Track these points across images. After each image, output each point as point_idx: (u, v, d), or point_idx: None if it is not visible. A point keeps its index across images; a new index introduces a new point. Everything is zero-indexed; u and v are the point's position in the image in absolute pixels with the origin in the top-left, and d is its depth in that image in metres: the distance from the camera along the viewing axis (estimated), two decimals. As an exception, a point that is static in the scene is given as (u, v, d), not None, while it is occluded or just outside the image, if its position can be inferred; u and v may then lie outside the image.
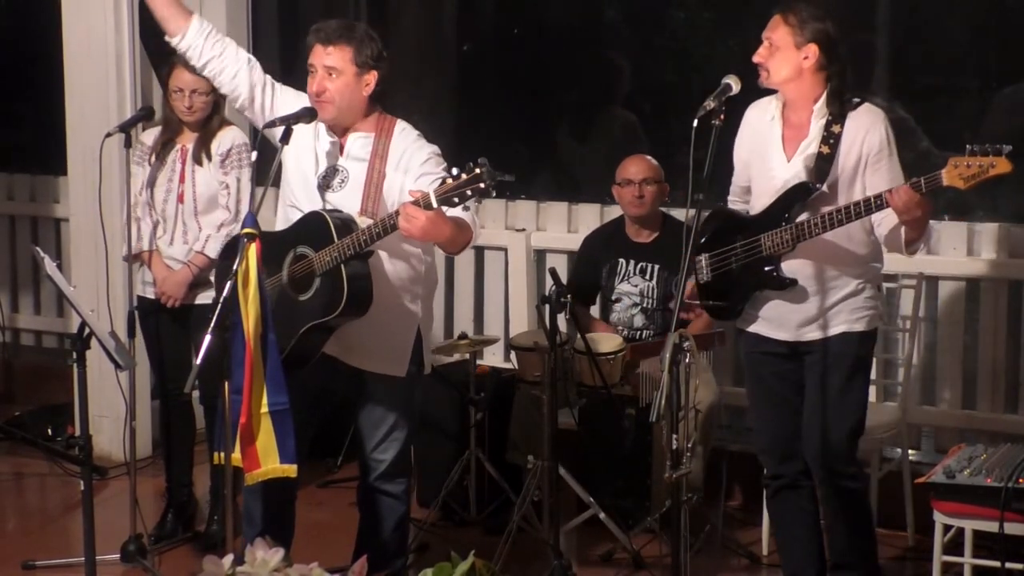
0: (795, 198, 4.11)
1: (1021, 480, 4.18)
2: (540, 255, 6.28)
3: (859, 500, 4.33)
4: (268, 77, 4.34)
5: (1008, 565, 4.22)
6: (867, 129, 4.10)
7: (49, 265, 4.52)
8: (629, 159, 5.60)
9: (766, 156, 4.23)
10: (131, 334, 5.10)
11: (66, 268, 5.93)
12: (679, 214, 5.77)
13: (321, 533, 5.23)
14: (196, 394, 5.46)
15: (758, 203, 4.25)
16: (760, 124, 4.27)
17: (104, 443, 6.12)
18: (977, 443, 4.81)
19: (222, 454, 3.80)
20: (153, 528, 5.31)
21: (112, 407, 6.02)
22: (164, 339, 5.27)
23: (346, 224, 4.02)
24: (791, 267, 4.16)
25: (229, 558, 3.23)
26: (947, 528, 4.44)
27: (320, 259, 4.03)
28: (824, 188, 4.08)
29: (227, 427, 3.76)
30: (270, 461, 3.83)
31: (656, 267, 5.54)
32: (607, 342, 5.25)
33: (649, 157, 5.62)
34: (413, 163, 4.11)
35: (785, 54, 4.09)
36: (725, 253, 4.27)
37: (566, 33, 6.52)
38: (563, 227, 6.27)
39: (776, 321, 4.24)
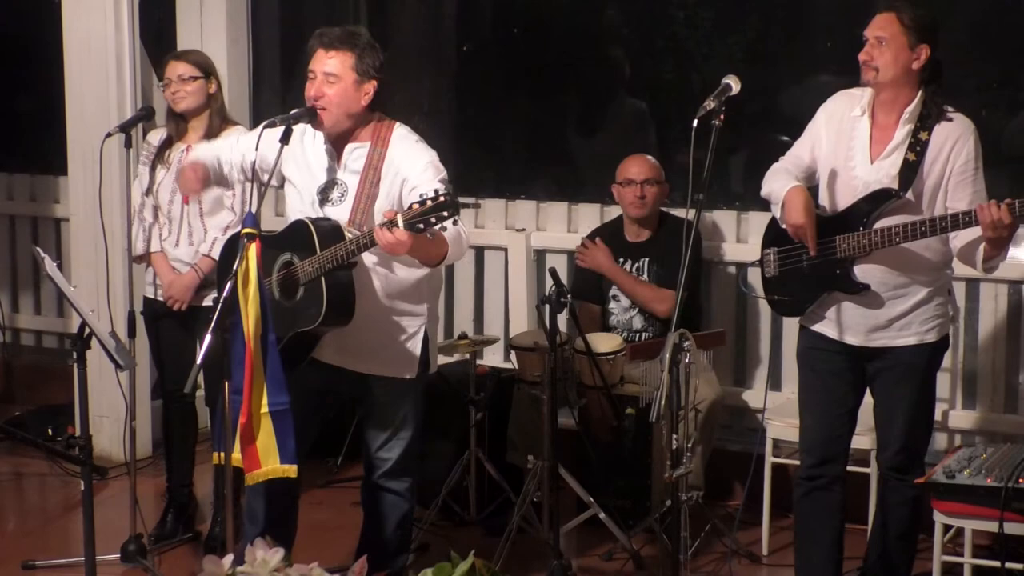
0: (877, 203, 4.06)
1: (1021, 480, 4.18)
2: (540, 255, 6.29)
3: (919, 506, 4.32)
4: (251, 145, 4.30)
5: (1008, 565, 4.22)
6: (956, 139, 4.05)
7: (49, 265, 4.52)
8: (630, 158, 5.60)
9: (849, 153, 4.15)
10: (131, 334, 5.09)
11: (66, 268, 5.93)
12: (679, 215, 5.78)
13: (321, 533, 5.23)
14: (201, 394, 5.47)
15: (833, 201, 4.17)
16: (846, 116, 4.18)
17: (104, 443, 6.13)
18: (977, 443, 4.81)
19: (222, 454, 3.80)
20: (153, 528, 5.31)
21: (112, 407, 6.02)
22: (169, 341, 5.26)
23: (332, 233, 4.01)
24: (863, 271, 4.11)
25: (229, 558, 3.24)
26: (947, 528, 4.44)
27: (303, 268, 4.04)
28: (909, 196, 4.04)
29: (227, 427, 3.76)
30: (270, 461, 3.83)
31: (646, 261, 5.54)
32: (607, 342, 5.25)
33: (650, 157, 5.62)
34: (411, 173, 4.09)
35: (897, 53, 4.02)
36: (796, 250, 4.20)
37: (566, 33, 6.52)
38: (563, 227, 6.27)
39: (843, 324, 4.19)
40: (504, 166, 6.68)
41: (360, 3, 7.10)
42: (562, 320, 4.94)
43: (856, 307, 4.15)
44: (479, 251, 6.42)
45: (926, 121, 4.07)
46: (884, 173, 4.08)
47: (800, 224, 4.07)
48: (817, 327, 4.26)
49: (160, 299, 5.20)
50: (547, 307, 4.62)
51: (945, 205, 4.07)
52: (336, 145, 4.21)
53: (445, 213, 3.70)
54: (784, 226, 4.16)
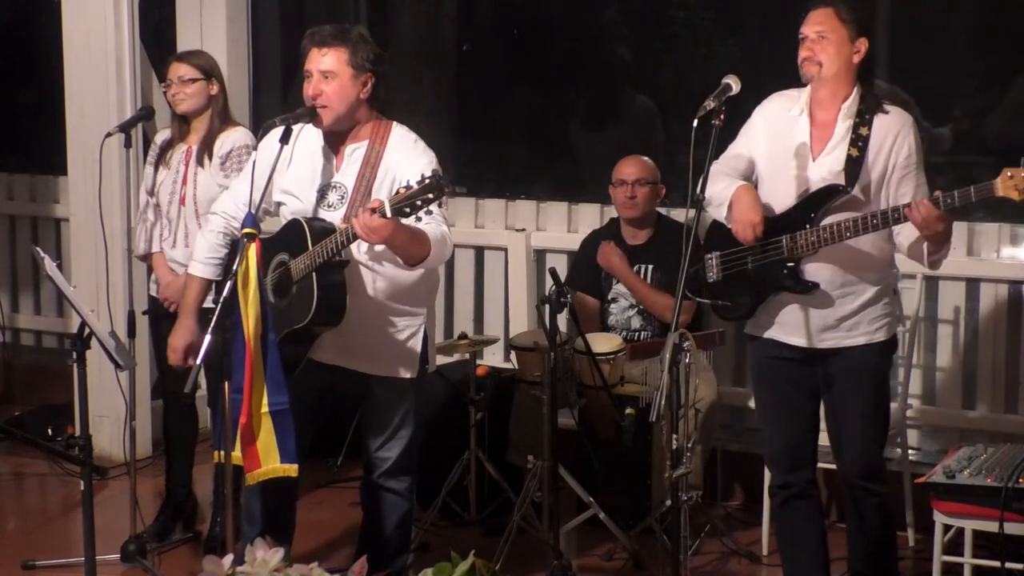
0: (823, 200, 4.04)
1: (1021, 480, 4.18)
2: (540, 255, 6.29)
3: (885, 510, 4.29)
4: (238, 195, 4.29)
5: (1008, 565, 4.22)
6: (896, 133, 4.04)
7: (49, 265, 4.52)
8: (624, 159, 5.59)
9: (791, 153, 4.12)
10: (131, 334, 5.09)
11: (66, 268, 5.93)
12: (679, 214, 5.78)
13: (321, 533, 5.24)
14: (203, 395, 5.47)
15: (777, 200, 4.14)
16: (783, 116, 4.17)
17: (104, 443, 6.13)
18: (977, 443, 4.81)
19: (222, 453, 3.80)
20: (148, 526, 5.29)
21: (112, 407, 6.02)
22: (166, 341, 5.26)
23: (324, 232, 4.01)
24: (811, 271, 4.08)
25: (229, 558, 3.24)
26: (947, 528, 4.44)
27: (295, 267, 4.05)
28: (856, 192, 4.02)
29: (227, 427, 3.76)
30: (271, 461, 3.83)
31: (650, 267, 5.54)
32: (606, 342, 5.25)
33: (645, 158, 5.61)
34: (407, 173, 4.08)
35: (839, 47, 4.02)
36: (740, 252, 4.17)
37: (566, 33, 6.53)
38: (563, 227, 6.27)
39: (792, 326, 4.15)
40: (504, 166, 6.69)
41: (360, 3, 7.11)
42: (562, 320, 4.93)
43: (804, 308, 4.12)
44: (479, 251, 6.42)
45: (864, 116, 4.06)
46: (827, 169, 4.06)
47: (753, 221, 4.04)
48: (767, 334, 4.22)
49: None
50: (547, 307, 4.62)
51: (890, 201, 4.04)
52: (334, 147, 4.21)
53: (431, 195, 3.70)
54: (731, 226, 4.11)
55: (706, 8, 6.21)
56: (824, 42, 4.03)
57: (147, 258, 5.25)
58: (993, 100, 5.77)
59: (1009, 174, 3.72)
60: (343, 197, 4.14)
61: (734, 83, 3.93)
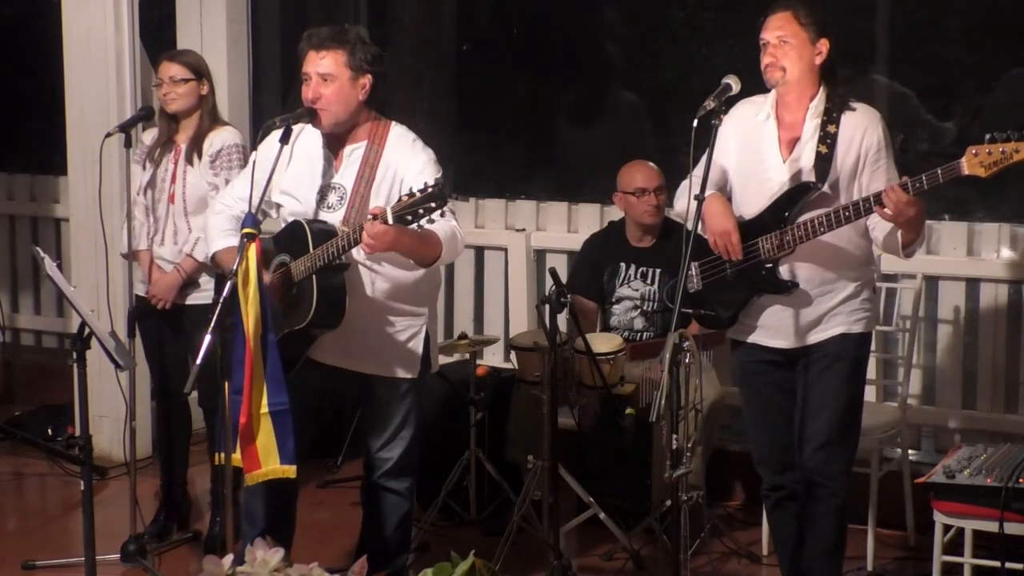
0: (795, 199, 4.04)
1: (1021, 480, 4.18)
2: (540, 255, 6.29)
3: (845, 519, 4.24)
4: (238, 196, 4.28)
5: (1008, 565, 4.22)
6: (865, 128, 4.04)
7: (49, 265, 4.52)
8: (634, 167, 5.54)
9: (760, 157, 4.13)
10: (131, 334, 5.10)
11: (66, 268, 5.93)
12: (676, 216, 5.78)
13: (321, 533, 5.23)
14: (195, 395, 5.46)
15: (751, 206, 4.14)
16: (750, 123, 4.17)
17: (104, 443, 6.13)
18: (977, 443, 4.81)
19: (222, 454, 3.80)
20: (147, 527, 5.29)
21: (112, 407, 6.02)
22: (155, 339, 5.26)
23: (325, 234, 4.01)
24: (789, 271, 4.08)
25: (229, 558, 3.24)
26: (947, 528, 4.44)
27: (296, 268, 4.05)
28: (825, 188, 4.03)
29: (227, 427, 3.76)
30: (270, 462, 3.83)
31: (658, 271, 5.53)
32: (607, 342, 5.25)
33: (650, 163, 5.59)
34: (408, 174, 4.10)
35: (801, 51, 4.02)
36: (718, 260, 4.16)
37: (566, 33, 6.53)
38: (563, 227, 6.27)
39: (774, 328, 4.15)
40: (504, 166, 6.69)
41: (360, 3, 7.11)
42: (562, 320, 4.94)
43: (785, 308, 4.12)
44: (479, 251, 6.42)
45: (831, 114, 4.06)
46: (798, 169, 4.07)
47: (726, 229, 4.06)
48: (750, 339, 4.22)
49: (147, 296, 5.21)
50: (547, 307, 4.61)
51: (861, 195, 4.02)
52: (333, 148, 4.21)
53: (433, 204, 3.70)
54: (706, 236, 4.12)
55: (706, 8, 6.21)
56: (786, 47, 4.03)
57: (133, 256, 5.25)
58: (992, 97, 5.77)
59: (974, 151, 3.73)
60: (342, 198, 4.15)
61: (734, 83, 3.94)
